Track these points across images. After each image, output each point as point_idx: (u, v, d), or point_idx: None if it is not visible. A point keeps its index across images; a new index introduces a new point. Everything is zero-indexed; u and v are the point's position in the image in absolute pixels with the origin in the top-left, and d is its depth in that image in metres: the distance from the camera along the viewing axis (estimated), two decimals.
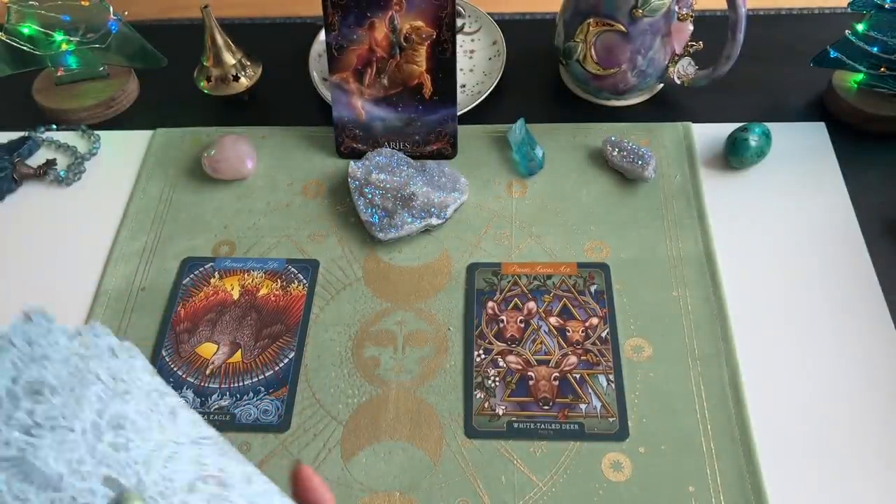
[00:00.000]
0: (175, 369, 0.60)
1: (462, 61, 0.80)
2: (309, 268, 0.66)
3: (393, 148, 0.73)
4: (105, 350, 0.31)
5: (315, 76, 0.79)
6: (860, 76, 0.73)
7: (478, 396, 0.58)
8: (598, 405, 0.57)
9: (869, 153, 0.72)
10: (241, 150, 0.72)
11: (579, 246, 0.66)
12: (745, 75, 0.76)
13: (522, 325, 0.61)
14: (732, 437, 0.55)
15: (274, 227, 0.69)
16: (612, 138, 0.71)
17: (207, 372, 0.60)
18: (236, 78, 0.76)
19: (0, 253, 0.69)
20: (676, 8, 0.69)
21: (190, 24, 0.88)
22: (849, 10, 0.69)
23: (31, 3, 0.73)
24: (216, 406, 0.58)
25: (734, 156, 0.69)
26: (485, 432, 0.56)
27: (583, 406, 0.57)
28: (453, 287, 0.64)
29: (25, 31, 0.74)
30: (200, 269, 0.66)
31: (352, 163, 0.70)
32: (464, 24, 0.83)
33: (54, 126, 0.78)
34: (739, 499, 0.52)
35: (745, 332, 0.60)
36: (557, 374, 0.58)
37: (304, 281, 0.65)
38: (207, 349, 0.61)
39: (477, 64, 0.81)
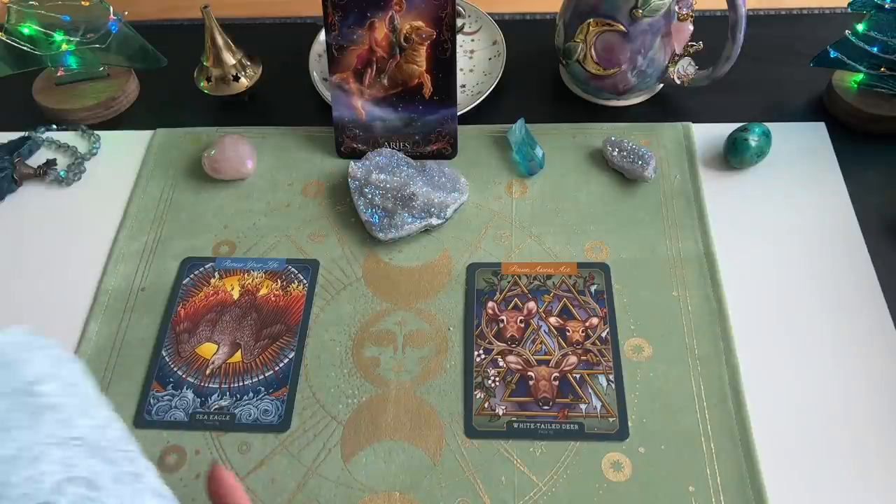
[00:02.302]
0: (175, 369, 0.60)
1: (462, 61, 0.80)
2: (309, 268, 0.66)
3: (393, 148, 0.73)
4: None
5: (315, 76, 0.79)
6: (860, 76, 0.73)
7: (478, 396, 0.58)
8: (598, 405, 0.57)
9: (869, 153, 0.72)
10: (241, 150, 0.72)
11: (579, 246, 0.66)
12: (745, 75, 0.76)
13: (522, 325, 0.61)
14: (732, 437, 0.55)
15: (274, 227, 0.69)
16: (612, 138, 0.71)
17: (207, 372, 0.60)
18: (236, 78, 0.76)
19: (0, 253, 0.69)
20: (676, 8, 0.69)
21: (190, 24, 0.88)
22: (849, 10, 0.69)
23: (31, 3, 0.73)
24: (216, 406, 0.58)
25: (734, 156, 0.69)
26: (485, 432, 0.56)
27: (583, 406, 0.57)
28: (453, 287, 0.64)
29: (25, 31, 0.74)
30: (200, 269, 0.66)
31: (352, 163, 0.70)
32: (464, 24, 0.83)
33: (54, 126, 0.78)
34: (739, 499, 0.52)
35: (745, 332, 0.60)
36: (557, 374, 0.58)
37: (304, 281, 0.65)
38: (207, 349, 0.61)
39: (477, 64, 0.81)
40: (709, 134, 0.73)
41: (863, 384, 0.57)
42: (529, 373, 0.59)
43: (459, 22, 0.82)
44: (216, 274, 0.66)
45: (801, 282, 0.63)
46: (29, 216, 0.71)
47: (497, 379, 0.59)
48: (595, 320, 0.61)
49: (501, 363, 0.59)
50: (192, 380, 0.60)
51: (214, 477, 0.43)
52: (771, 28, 0.85)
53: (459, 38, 0.81)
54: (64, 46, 0.75)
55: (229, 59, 0.76)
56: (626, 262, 0.65)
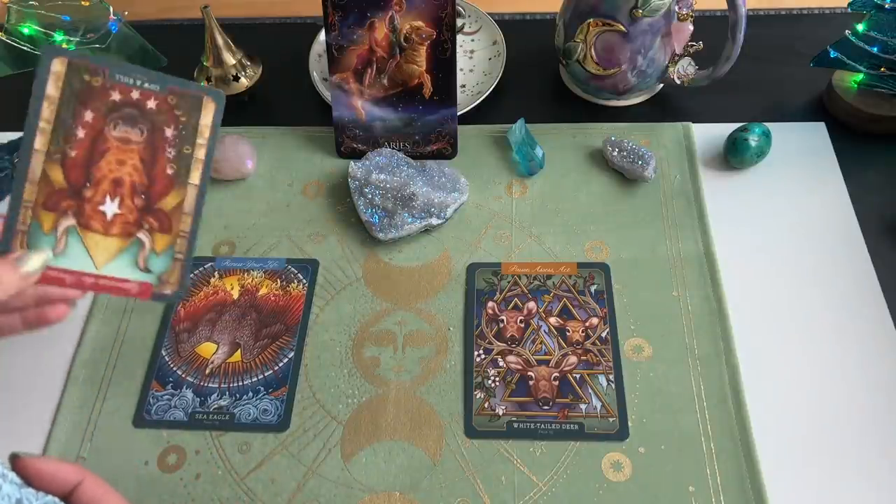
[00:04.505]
0: (175, 369, 0.60)
1: (462, 61, 0.80)
2: (309, 268, 0.66)
3: (393, 148, 0.73)
4: None
5: (315, 76, 0.79)
6: (860, 76, 0.73)
7: (478, 396, 0.58)
8: (598, 405, 0.57)
9: (869, 153, 0.72)
10: (241, 150, 0.72)
11: (579, 246, 0.66)
12: (745, 75, 0.76)
13: (522, 325, 0.61)
14: (732, 437, 0.55)
15: (274, 227, 0.69)
16: (613, 138, 0.71)
17: (207, 372, 0.60)
18: (236, 78, 0.76)
19: None
20: (676, 8, 0.69)
21: (190, 24, 0.88)
22: (849, 10, 0.69)
23: (31, 3, 0.73)
24: (216, 406, 0.58)
25: (734, 156, 0.69)
26: (485, 432, 0.56)
27: (583, 406, 0.57)
28: (453, 287, 0.64)
29: (25, 31, 0.74)
30: (200, 269, 0.66)
31: (352, 163, 0.70)
32: (464, 24, 0.83)
33: None
34: (739, 499, 0.52)
35: (745, 332, 0.60)
36: (557, 374, 0.58)
37: (304, 281, 0.65)
38: (207, 349, 0.61)
39: (477, 64, 0.81)
40: (709, 134, 0.73)
41: (863, 384, 0.57)
42: (529, 373, 0.59)
43: (459, 22, 0.82)
44: (216, 274, 0.66)
45: (800, 282, 0.63)
46: None
47: (497, 379, 0.58)
48: (595, 320, 0.61)
49: (501, 363, 0.59)
50: (191, 379, 0.60)
51: (20, 467, 0.37)
52: (771, 28, 0.85)
53: (459, 38, 0.81)
54: (64, 46, 0.75)
55: (229, 59, 0.76)
56: (626, 262, 0.65)
